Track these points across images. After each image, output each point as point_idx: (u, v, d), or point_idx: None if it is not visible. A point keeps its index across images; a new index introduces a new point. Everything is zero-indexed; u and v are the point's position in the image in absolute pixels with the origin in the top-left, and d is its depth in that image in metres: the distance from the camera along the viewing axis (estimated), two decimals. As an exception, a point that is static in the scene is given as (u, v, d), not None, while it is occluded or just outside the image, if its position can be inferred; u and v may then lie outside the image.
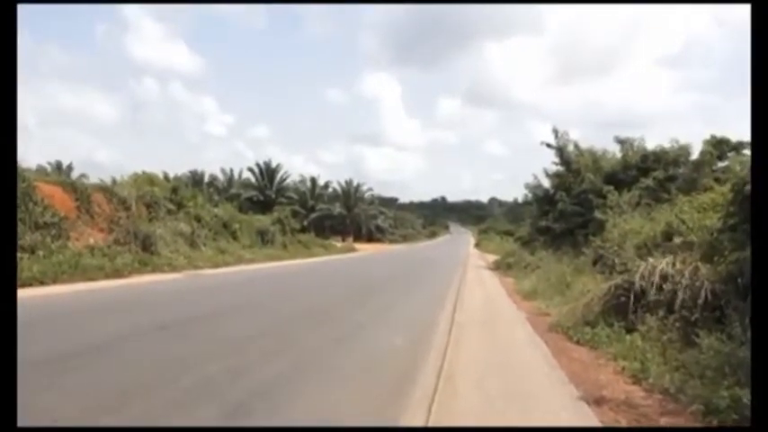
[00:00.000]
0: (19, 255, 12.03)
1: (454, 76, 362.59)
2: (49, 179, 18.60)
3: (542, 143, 21.97)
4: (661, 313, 6.86)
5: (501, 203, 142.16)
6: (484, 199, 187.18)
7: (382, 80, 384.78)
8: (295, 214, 44.70)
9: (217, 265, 19.59)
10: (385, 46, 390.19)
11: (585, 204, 17.97)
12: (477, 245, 70.34)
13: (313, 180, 69.89)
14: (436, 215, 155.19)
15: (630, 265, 8.46)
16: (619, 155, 19.13)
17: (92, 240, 15.90)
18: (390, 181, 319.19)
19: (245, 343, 6.97)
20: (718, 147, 14.92)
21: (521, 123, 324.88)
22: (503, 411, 4.62)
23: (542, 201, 23.44)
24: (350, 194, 73.37)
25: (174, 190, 23.22)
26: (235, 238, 25.48)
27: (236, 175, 63.10)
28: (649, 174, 16.18)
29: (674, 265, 7.39)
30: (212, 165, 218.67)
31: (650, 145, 18.08)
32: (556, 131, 21.48)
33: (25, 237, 13.05)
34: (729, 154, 14.71)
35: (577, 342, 7.67)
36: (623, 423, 4.36)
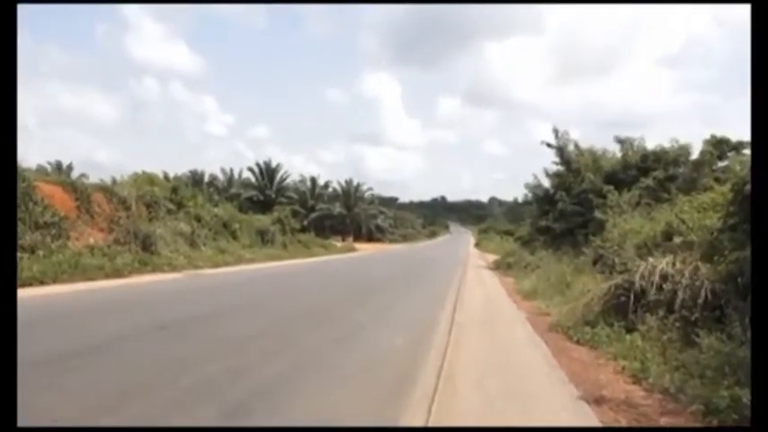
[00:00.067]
0: (19, 254, 12.03)
1: (454, 76, 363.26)
2: (49, 179, 18.61)
3: (542, 143, 22.00)
4: (661, 313, 6.86)
5: (501, 203, 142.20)
6: (484, 199, 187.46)
7: (382, 80, 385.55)
8: (295, 214, 44.70)
9: (217, 265, 19.59)
10: (385, 46, 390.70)
11: (585, 204, 17.98)
12: (477, 244, 70.33)
13: (313, 180, 70.00)
14: (436, 215, 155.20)
15: (630, 265, 8.46)
16: (619, 155, 19.14)
17: (92, 240, 15.90)
18: (390, 181, 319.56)
19: (245, 343, 6.96)
20: (718, 146, 14.93)
21: (521, 123, 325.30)
22: (503, 411, 4.62)
23: (542, 200, 23.43)
24: (350, 194, 73.38)
25: (174, 190, 23.21)
26: (235, 237, 25.48)
27: (236, 175, 63.21)
28: (649, 173, 16.19)
29: (674, 264, 7.40)
30: (212, 164, 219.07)
31: (650, 145, 18.13)
32: (556, 131, 21.50)
33: (25, 236, 13.05)
34: (729, 154, 14.72)
35: (577, 342, 7.68)
36: (623, 423, 4.36)
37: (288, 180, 65.71)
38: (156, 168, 38.92)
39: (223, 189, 56.89)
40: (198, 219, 22.57)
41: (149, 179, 24.08)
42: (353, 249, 45.81)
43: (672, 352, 5.95)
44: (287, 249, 30.76)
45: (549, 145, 21.69)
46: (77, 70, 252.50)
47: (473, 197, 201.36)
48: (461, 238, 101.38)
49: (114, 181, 22.22)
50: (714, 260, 6.88)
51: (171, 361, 5.80)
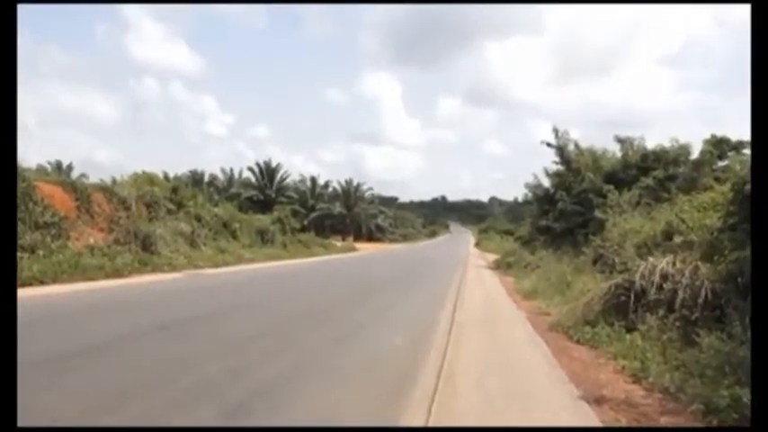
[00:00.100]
0: (19, 254, 12.03)
1: (454, 76, 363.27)
2: (49, 179, 18.60)
3: (542, 142, 21.96)
4: (661, 312, 6.87)
5: (501, 203, 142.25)
6: (484, 198, 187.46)
7: (382, 80, 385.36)
8: (295, 214, 44.69)
9: (217, 265, 19.58)
10: (385, 46, 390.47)
11: (586, 204, 17.97)
12: (477, 244, 70.33)
13: (313, 179, 70.04)
14: (436, 214, 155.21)
15: (631, 265, 8.46)
16: (619, 154, 19.13)
17: (92, 240, 15.90)
18: (390, 180, 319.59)
19: (245, 343, 6.96)
20: (719, 146, 14.93)
21: (521, 123, 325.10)
22: (503, 411, 4.62)
23: (542, 200, 23.42)
24: (350, 194, 73.39)
25: (175, 190, 23.22)
26: (235, 237, 25.48)
27: (236, 175, 63.28)
28: (649, 173, 16.18)
29: (674, 264, 7.40)
30: (212, 164, 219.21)
31: (650, 144, 18.11)
32: (556, 131, 21.47)
33: (25, 236, 13.05)
34: (729, 153, 14.71)
35: (577, 341, 7.68)
36: (623, 422, 4.36)
37: (288, 180, 65.86)
38: (156, 168, 38.96)
39: (223, 189, 56.93)
40: (198, 218, 22.57)
41: (149, 179, 24.08)
42: (354, 249, 45.81)
43: (672, 351, 5.95)
44: (287, 249, 30.75)
45: (549, 144, 21.69)
46: (77, 70, 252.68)
47: (473, 197, 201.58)
48: (461, 238, 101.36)
49: (114, 181, 22.23)
50: (714, 260, 6.88)
51: (171, 361, 5.80)
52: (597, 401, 4.83)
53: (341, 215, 69.09)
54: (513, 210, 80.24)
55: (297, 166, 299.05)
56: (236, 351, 6.46)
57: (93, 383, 4.84)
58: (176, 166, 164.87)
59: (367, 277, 19.99)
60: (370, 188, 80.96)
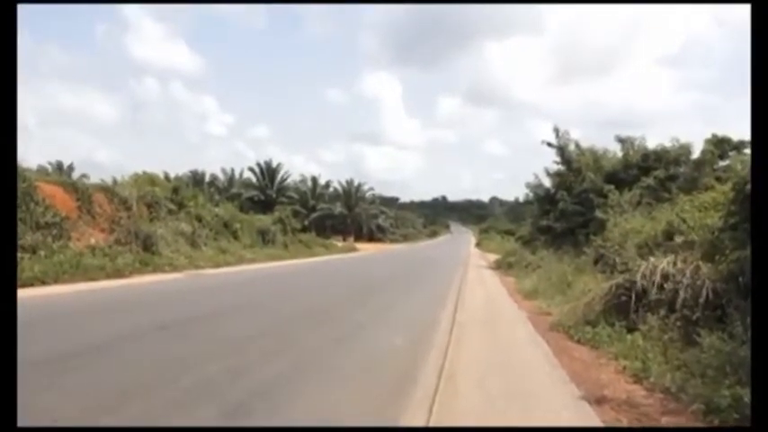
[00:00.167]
0: (20, 255, 12.04)
1: (454, 76, 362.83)
2: (49, 179, 18.61)
3: (543, 142, 21.96)
4: (662, 312, 6.86)
5: (502, 203, 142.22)
6: (485, 198, 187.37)
7: (382, 80, 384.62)
8: (296, 214, 44.71)
9: (218, 265, 19.60)
10: (385, 46, 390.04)
11: (586, 204, 17.96)
12: (477, 244, 70.31)
13: (314, 179, 70.02)
14: (437, 214, 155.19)
15: (631, 265, 8.45)
16: (620, 154, 19.12)
17: (93, 240, 15.91)
18: (391, 180, 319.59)
19: (245, 343, 6.96)
20: (720, 146, 14.92)
21: (521, 123, 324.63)
22: (504, 411, 4.61)
23: (543, 200, 23.41)
24: (351, 194, 73.39)
25: (175, 190, 23.24)
26: (236, 237, 25.49)
27: (236, 175, 63.23)
28: (650, 173, 16.17)
29: (675, 264, 7.39)
30: (213, 164, 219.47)
31: (651, 144, 18.11)
32: (557, 130, 21.46)
33: (26, 237, 13.06)
34: (731, 153, 14.71)
35: (578, 341, 7.67)
36: (624, 422, 4.35)
37: (288, 180, 65.83)
38: (157, 168, 39.07)
39: (224, 189, 56.91)
40: (199, 219, 22.59)
41: (150, 179, 24.11)
42: (354, 249, 45.82)
43: (673, 351, 5.94)
44: (288, 249, 30.77)
45: (549, 144, 21.68)
46: (77, 70, 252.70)
47: (474, 197, 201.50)
48: (462, 238, 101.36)
49: (115, 181, 22.21)
50: (715, 259, 6.87)
51: (171, 361, 5.80)
52: (598, 401, 4.83)
53: (342, 215, 69.09)
54: (513, 210, 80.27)
55: (297, 167, 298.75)
56: (236, 351, 6.46)
57: (94, 383, 4.84)
58: (177, 166, 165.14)
59: (367, 277, 19.99)
60: (371, 188, 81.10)
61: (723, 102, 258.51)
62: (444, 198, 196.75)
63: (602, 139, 26.31)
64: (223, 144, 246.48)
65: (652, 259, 7.93)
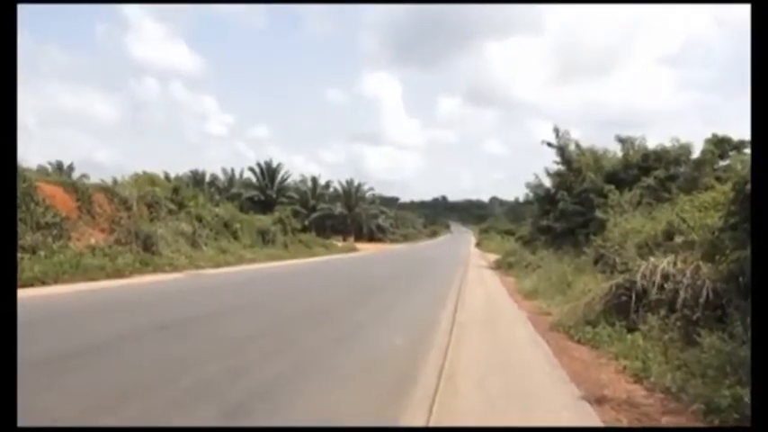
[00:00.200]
0: (20, 255, 12.04)
1: (454, 76, 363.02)
2: (50, 179, 18.61)
3: (543, 142, 21.97)
4: (662, 312, 6.86)
5: (502, 203, 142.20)
6: (485, 198, 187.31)
7: (382, 80, 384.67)
8: (296, 214, 44.70)
9: (218, 265, 19.60)
10: (385, 46, 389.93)
11: (586, 203, 17.96)
12: (477, 244, 70.30)
13: (314, 180, 70.02)
14: (437, 214, 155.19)
15: (632, 265, 8.45)
16: (620, 154, 19.13)
17: (93, 240, 15.91)
18: (391, 180, 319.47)
19: (245, 343, 6.96)
20: (720, 146, 14.92)
21: (521, 123, 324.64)
22: (504, 411, 4.61)
23: (543, 200, 23.42)
24: (351, 194, 73.39)
25: (176, 190, 23.24)
26: (236, 237, 25.49)
27: (236, 175, 63.24)
28: (650, 173, 16.17)
29: (675, 264, 7.39)
30: (213, 164, 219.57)
31: (651, 144, 18.12)
32: (557, 130, 21.46)
33: (26, 237, 13.06)
34: (731, 153, 14.71)
35: (578, 341, 7.67)
36: (625, 422, 4.35)
37: (289, 180, 65.83)
38: (157, 168, 39.05)
39: (224, 189, 56.91)
40: (199, 219, 22.59)
41: (150, 179, 24.11)
42: (354, 249, 45.83)
43: (673, 351, 5.94)
44: (288, 249, 30.76)
45: (549, 144, 21.68)
46: (77, 70, 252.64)
47: (474, 197, 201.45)
48: (462, 238, 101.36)
49: (115, 181, 22.21)
50: (715, 259, 6.87)
51: (171, 361, 5.80)
52: (598, 401, 4.83)
53: (342, 215, 69.09)
54: (513, 210, 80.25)
55: (297, 167, 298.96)
56: (236, 351, 6.45)
57: (93, 383, 4.84)
58: (177, 166, 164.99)
59: (368, 277, 19.99)
60: (371, 188, 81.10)
61: (723, 102, 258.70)
62: (444, 198, 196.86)
63: (602, 139, 26.38)
64: (223, 144, 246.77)
65: (652, 259, 7.93)
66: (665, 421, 4.38)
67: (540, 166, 24.35)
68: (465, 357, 6.74)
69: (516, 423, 4.28)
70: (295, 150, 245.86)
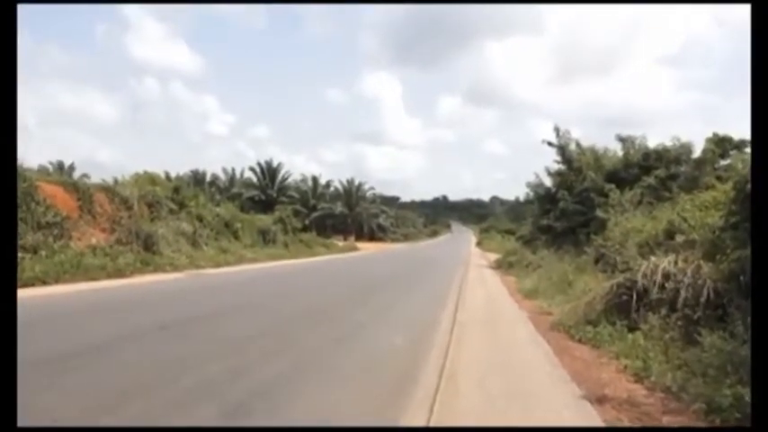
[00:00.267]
0: (21, 255, 12.05)
1: (454, 76, 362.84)
2: (50, 179, 18.61)
3: (544, 141, 21.92)
4: (663, 312, 6.85)
5: (502, 202, 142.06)
6: (485, 198, 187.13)
7: (382, 79, 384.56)
8: (297, 213, 44.69)
9: (218, 265, 19.60)
10: (385, 46, 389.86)
11: (587, 203, 17.95)
12: (478, 244, 70.25)
13: (314, 179, 70.03)
14: (437, 214, 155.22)
15: (632, 264, 8.44)
16: (620, 153, 19.09)
17: (94, 240, 15.92)
18: (391, 180, 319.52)
19: (245, 343, 6.96)
20: (721, 145, 14.89)
21: (521, 122, 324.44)
22: (505, 410, 4.61)
23: (544, 199, 23.40)
24: (351, 193, 73.40)
25: (176, 189, 23.25)
26: (236, 237, 25.50)
27: (237, 175, 63.31)
28: (651, 172, 16.15)
29: (676, 263, 7.37)
30: (214, 164, 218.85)
31: (652, 143, 18.07)
32: (557, 130, 21.44)
33: (27, 237, 13.07)
34: (731, 152, 14.68)
35: (579, 341, 7.66)
36: (625, 422, 4.35)
37: (289, 179, 65.91)
38: (158, 168, 38.90)
39: (225, 189, 56.96)
40: (200, 218, 22.60)
41: (151, 179, 24.12)
42: (355, 249, 45.82)
43: (674, 351, 5.93)
44: (289, 249, 30.75)
45: (550, 144, 21.65)
46: (77, 70, 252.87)
47: (474, 196, 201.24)
48: (463, 238, 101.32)
49: (116, 181, 22.20)
50: (716, 259, 6.86)
51: (171, 361, 5.80)
52: (599, 401, 4.82)
53: (342, 215, 69.10)
54: (514, 209, 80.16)
55: (298, 166, 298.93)
56: (236, 351, 6.45)
57: (94, 383, 4.83)
58: (177, 165, 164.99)
59: (368, 277, 19.98)
60: (372, 188, 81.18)
61: (723, 102, 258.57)
62: (445, 197, 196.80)
63: (602, 139, 26.39)
64: (224, 144, 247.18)
65: (653, 258, 7.92)
66: (666, 421, 4.38)
67: (541, 165, 24.38)
68: (466, 357, 6.73)
69: (517, 423, 4.28)
70: (295, 150, 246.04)
